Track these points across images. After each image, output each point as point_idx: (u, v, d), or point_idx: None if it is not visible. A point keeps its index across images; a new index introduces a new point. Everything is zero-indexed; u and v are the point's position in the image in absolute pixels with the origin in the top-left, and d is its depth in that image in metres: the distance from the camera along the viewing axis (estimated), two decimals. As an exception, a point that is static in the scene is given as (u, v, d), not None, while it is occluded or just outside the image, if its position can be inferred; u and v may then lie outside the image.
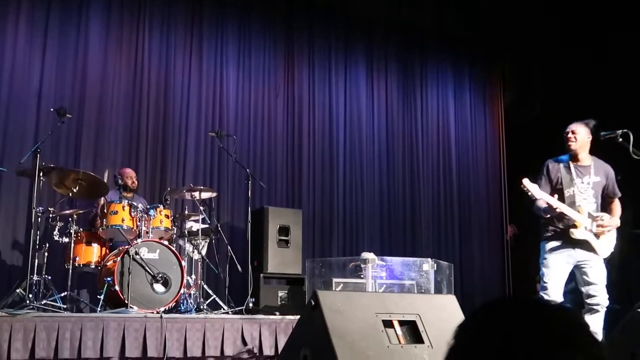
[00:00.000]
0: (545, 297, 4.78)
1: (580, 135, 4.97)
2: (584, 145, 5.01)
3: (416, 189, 9.86)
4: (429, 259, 6.98)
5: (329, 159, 9.23)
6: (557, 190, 4.94)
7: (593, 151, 5.12)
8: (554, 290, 4.84)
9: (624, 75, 8.45)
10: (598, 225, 4.86)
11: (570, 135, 4.97)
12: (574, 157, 5.04)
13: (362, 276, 6.75)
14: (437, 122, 10.34)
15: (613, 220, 4.97)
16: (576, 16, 8.99)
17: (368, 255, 6.78)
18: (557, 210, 4.80)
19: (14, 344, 4.65)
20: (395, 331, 3.44)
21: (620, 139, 4.77)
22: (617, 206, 5.10)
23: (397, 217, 9.62)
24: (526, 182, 4.77)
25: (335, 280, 6.76)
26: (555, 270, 4.90)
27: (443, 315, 3.69)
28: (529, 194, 4.77)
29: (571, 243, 4.90)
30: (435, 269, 6.88)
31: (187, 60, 8.46)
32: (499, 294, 9.44)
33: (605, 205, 5.08)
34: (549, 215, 4.94)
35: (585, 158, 5.04)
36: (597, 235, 4.87)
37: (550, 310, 1.12)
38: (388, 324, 3.46)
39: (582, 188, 4.95)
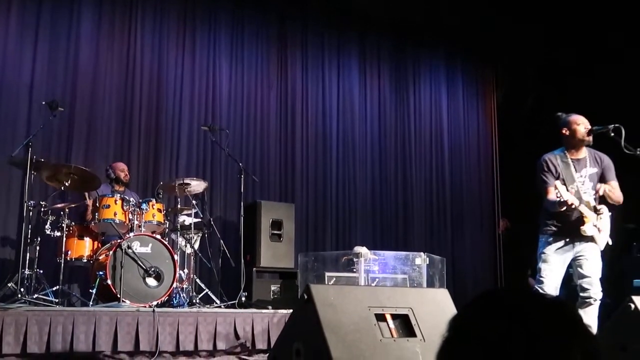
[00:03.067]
0: (540, 291, 4.76)
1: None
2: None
3: (409, 184, 9.88)
4: (422, 253, 7.00)
5: (322, 153, 9.23)
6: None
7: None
8: (550, 286, 4.81)
9: (618, 72, 8.48)
10: (600, 216, 4.83)
11: (589, 131, 4.83)
12: (572, 150, 4.95)
13: (354, 270, 6.76)
14: (430, 117, 10.35)
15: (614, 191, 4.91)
16: (567, 13, 9.00)
17: (361, 249, 6.79)
18: (574, 207, 4.67)
19: (6, 338, 4.64)
20: (388, 325, 3.45)
21: (612, 134, 4.76)
22: (617, 192, 4.98)
23: (389, 211, 9.64)
24: (558, 184, 4.67)
25: (327, 274, 6.77)
26: (554, 267, 4.84)
27: (435, 309, 3.70)
28: (558, 196, 4.61)
29: (573, 240, 4.84)
30: (427, 263, 6.89)
31: (180, 54, 8.43)
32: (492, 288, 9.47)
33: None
34: (563, 208, 4.74)
35: (582, 151, 4.98)
36: (599, 229, 4.85)
37: (546, 302, 1.12)
38: (381, 317, 3.47)
39: (582, 182, 4.89)
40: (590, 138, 4.87)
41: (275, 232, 7.63)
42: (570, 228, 4.83)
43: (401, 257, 7.02)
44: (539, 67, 10.01)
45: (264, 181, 8.60)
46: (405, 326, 3.54)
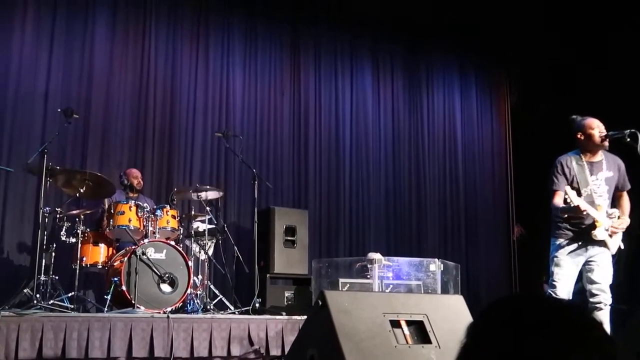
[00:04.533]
0: (554, 295, 4.73)
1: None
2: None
3: (422, 190, 9.85)
4: (436, 259, 6.97)
5: (335, 159, 9.23)
6: (573, 189, 4.77)
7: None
8: (563, 291, 4.78)
9: (633, 74, 8.42)
10: (612, 225, 4.79)
11: (605, 134, 4.79)
12: (588, 154, 4.91)
13: (368, 276, 6.75)
14: (444, 122, 10.32)
15: (624, 220, 4.84)
16: (579, 17, 8.97)
17: (374, 255, 6.78)
18: (585, 212, 4.64)
19: (22, 344, 4.66)
20: (403, 331, 3.44)
21: (628, 139, 4.73)
22: (626, 201, 4.98)
23: (403, 217, 9.61)
24: (568, 189, 4.63)
25: (341, 280, 6.75)
26: (567, 272, 4.80)
27: (450, 315, 3.68)
28: (568, 201, 4.61)
29: (586, 244, 4.80)
30: (442, 269, 6.87)
31: (194, 61, 8.47)
32: (508, 294, 9.42)
33: (613, 199, 4.97)
34: (566, 215, 4.79)
35: (598, 154, 4.93)
36: (610, 234, 4.82)
37: (564, 307, 1.11)
38: (395, 324, 3.46)
39: (597, 185, 4.84)
40: (606, 143, 4.84)
41: (289, 238, 7.63)
42: (582, 232, 4.79)
43: (415, 264, 6.99)
44: (552, 71, 9.95)
45: (278, 187, 8.61)
46: (420, 333, 3.52)
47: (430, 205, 9.86)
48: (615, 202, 4.96)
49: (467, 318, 3.67)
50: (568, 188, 4.66)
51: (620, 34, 8.67)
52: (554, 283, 4.83)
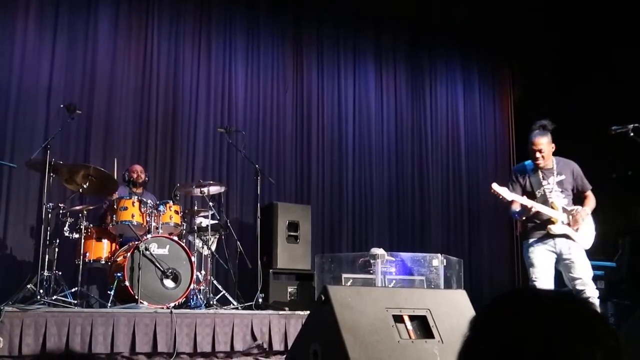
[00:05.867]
0: None
1: (546, 149, 5.06)
2: (549, 154, 5.11)
3: (425, 185, 9.85)
4: (439, 255, 6.97)
5: (338, 154, 9.22)
6: (527, 193, 5.08)
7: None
8: (544, 284, 4.91)
9: (632, 72, 8.40)
10: (572, 215, 4.94)
11: (538, 155, 5.05)
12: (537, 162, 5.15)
13: (371, 272, 6.75)
14: (446, 117, 10.31)
15: (584, 210, 5.05)
16: (583, 14, 8.94)
17: (377, 250, 6.78)
18: (533, 209, 4.92)
19: (25, 339, 4.68)
20: (406, 326, 3.44)
21: (632, 134, 4.74)
22: (590, 199, 5.17)
23: (406, 212, 9.61)
24: (495, 186, 4.93)
25: (344, 275, 6.76)
26: (541, 264, 4.98)
27: (453, 310, 3.68)
28: (500, 197, 4.91)
29: (550, 236, 5.00)
30: (444, 264, 6.87)
31: (196, 56, 8.46)
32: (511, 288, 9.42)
33: (580, 202, 5.18)
34: (524, 217, 5.08)
35: (549, 162, 5.14)
36: (575, 229, 4.97)
37: (568, 301, 1.11)
38: (398, 318, 3.46)
39: (549, 187, 5.07)
40: (539, 162, 5.07)
41: (292, 233, 7.63)
42: (542, 227, 5.02)
43: (418, 259, 7.00)
44: (555, 67, 9.93)
45: (280, 183, 8.61)
46: (423, 327, 3.52)
47: (433, 201, 9.85)
48: (581, 203, 5.17)
49: (470, 313, 3.67)
50: (495, 185, 4.94)
51: (625, 29, 8.64)
52: (534, 282, 4.99)
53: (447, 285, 6.84)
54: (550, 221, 4.97)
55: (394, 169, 9.64)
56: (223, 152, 8.37)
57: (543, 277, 4.95)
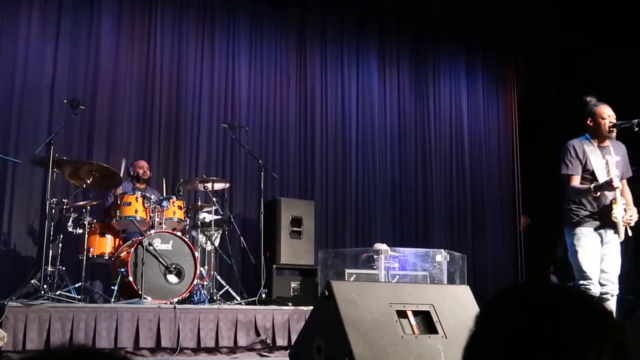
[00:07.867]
0: (590, 287, 4.53)
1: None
2: None
3: (429, 180, 9.83)
4: (442, 250, 6.96)
5: (342, 149, 9.21)
6: (587, 171, 4.73)
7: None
8: (596, 278, 4.60)
9: (635, 71, 8.37)
10: (624, 217, 4.68)
11: (613, 128, 4.73)
12: (596, 140, 4.82)
13: (374, 267, 6.74)
14: (450, 112, 10.28)
15: (634, 211, 4.73)
16: (590, 10, 8.90)
17: (381, 246, 6.77)
18: (616, 186, 4.55)
19: (29, 334, 4.69)
20: (409, 321, 3.44)
21: (637, 129, 4.71)
22: (628, 190, 4.89)
23: (409, 208, 9.60)
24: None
25: (347, 271, 6.75)
26: (594, 256, 4.64)
27: (457, 305, 3.68)
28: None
29: (603, 226, 4.68)
30: (448, 260, 6.85)
31: (199, 51, 8.45)
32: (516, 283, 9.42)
33: None
34: (595, 194, 4.67)
35: (605, 141, 4.85)
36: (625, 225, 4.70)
37: (574, 295, 1.10)
38: (402, 314, 3.46)
39: (608, 168, 4.73)
40: (613, 134, 4.79)
41: (295, 229, 7.64)
42: (599, 212, 4.70)
43: (421, 254, 6.98)
44: (560, 62, 9.90)
45: (284, 178, 8.60)
46: (427, 323, 3.52)
47: (437, 196, 9.84)
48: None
49: (473, 308, 3.67)
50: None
51: (631, 19, 8.61)
52: (584, 275, 4.62)
53: (451, 280, 6.83)
54: (609, 206, 4.64)
55: (398, 164, 9.63)
56: (226, 147, 8.37)
57: (594, 269, 4.61)
